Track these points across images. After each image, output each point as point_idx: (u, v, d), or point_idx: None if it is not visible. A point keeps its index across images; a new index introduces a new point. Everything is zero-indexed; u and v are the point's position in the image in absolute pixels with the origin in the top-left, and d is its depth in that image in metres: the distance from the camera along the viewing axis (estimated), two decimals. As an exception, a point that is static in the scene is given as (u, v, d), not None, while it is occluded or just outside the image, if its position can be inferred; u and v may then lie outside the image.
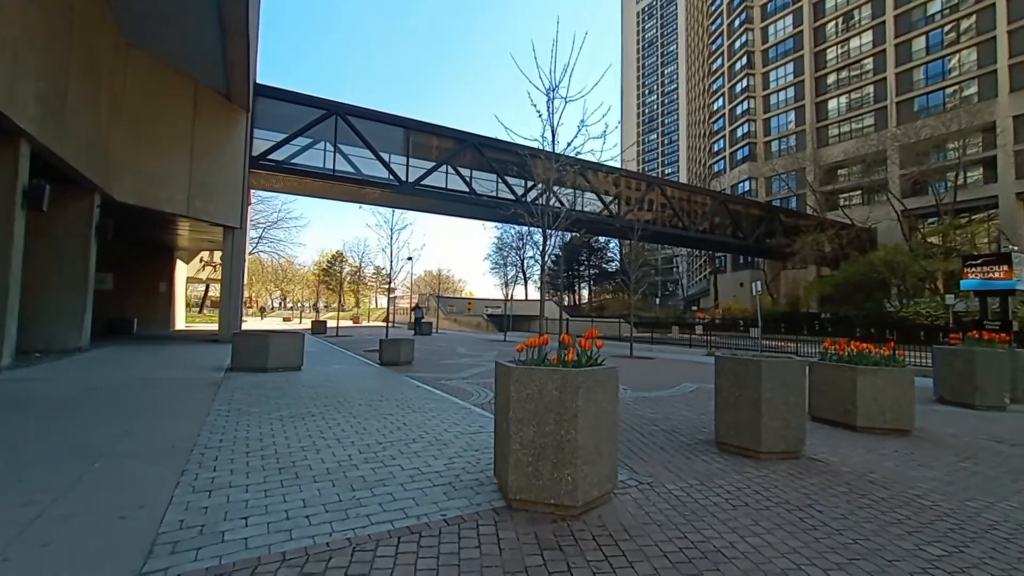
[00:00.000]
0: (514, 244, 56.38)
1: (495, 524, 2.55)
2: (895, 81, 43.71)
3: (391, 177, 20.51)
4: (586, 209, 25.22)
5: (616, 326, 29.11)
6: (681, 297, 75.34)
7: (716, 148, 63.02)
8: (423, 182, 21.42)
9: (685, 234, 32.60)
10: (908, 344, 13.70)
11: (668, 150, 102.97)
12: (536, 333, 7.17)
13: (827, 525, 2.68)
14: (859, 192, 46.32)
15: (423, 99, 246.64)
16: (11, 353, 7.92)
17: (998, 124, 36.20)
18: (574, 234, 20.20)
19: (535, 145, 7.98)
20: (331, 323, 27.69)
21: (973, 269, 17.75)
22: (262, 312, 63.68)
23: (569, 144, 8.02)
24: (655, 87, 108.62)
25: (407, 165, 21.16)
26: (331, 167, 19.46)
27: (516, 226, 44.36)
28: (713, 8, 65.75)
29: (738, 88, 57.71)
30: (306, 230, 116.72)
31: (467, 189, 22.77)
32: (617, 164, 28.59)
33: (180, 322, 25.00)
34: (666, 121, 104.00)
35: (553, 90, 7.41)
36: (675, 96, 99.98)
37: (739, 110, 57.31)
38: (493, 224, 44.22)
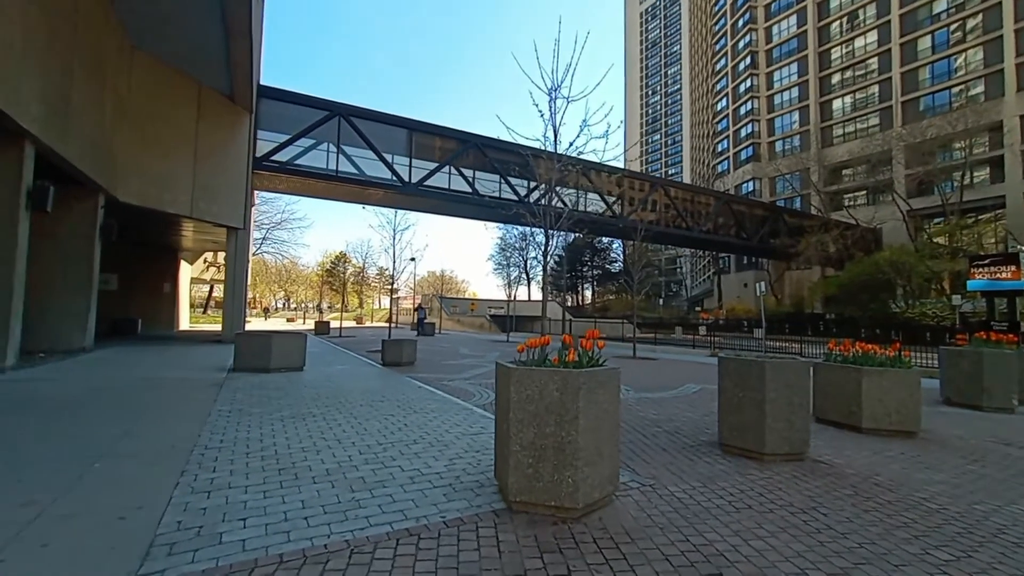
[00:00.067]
0: (517, 245, 56.45)
1: (495, 526, 2.52)
2: (900, 81, 43.45)
3: (394, 178, 20.53)
4: (589, 209, 25.18)
5: (619, 327, 29.02)
6: (685, 298, 75.18)
7: (720, 148, 62.86)
8: (426, 183, 21.43)
9: (689, 235, 32.48)
10: (914, 345, 13.57)
11: (671, 150, 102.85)
12: (539, 334, 7.14)
13: (832, 528, 2.64)
14: (864, 192, 46.08)
15: (426, 100, 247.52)
16: (15, 353, 7.95)
17: (1005, 123, 35.94)
18: (577, 235, 20.15)
19: (537, 145, 7.97)
20: (334, 324, 27.76)
21: (980, 269, 17.60)
22: (266, 313, 63.95)
23: (571, 144, 8.01)
24: (658, 87, 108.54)
25: (410, 166, 21.18)
26: (334, 168, 19.50)
27: (519, 227, 44.38)
28: (717, 8, 65.63)
29: (742, 88, 57.54)
30: (310, 231, 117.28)
31: (470, 190, 22.76)
32: (620, 164, 28.57)
33: (184, 323, 25.12)
34: (669, 122, 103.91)
35: (555, 90, 7.40)
36: (678, 96, 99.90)
37: (743, 110, 57.15)
38: (495, 225, 44.22)
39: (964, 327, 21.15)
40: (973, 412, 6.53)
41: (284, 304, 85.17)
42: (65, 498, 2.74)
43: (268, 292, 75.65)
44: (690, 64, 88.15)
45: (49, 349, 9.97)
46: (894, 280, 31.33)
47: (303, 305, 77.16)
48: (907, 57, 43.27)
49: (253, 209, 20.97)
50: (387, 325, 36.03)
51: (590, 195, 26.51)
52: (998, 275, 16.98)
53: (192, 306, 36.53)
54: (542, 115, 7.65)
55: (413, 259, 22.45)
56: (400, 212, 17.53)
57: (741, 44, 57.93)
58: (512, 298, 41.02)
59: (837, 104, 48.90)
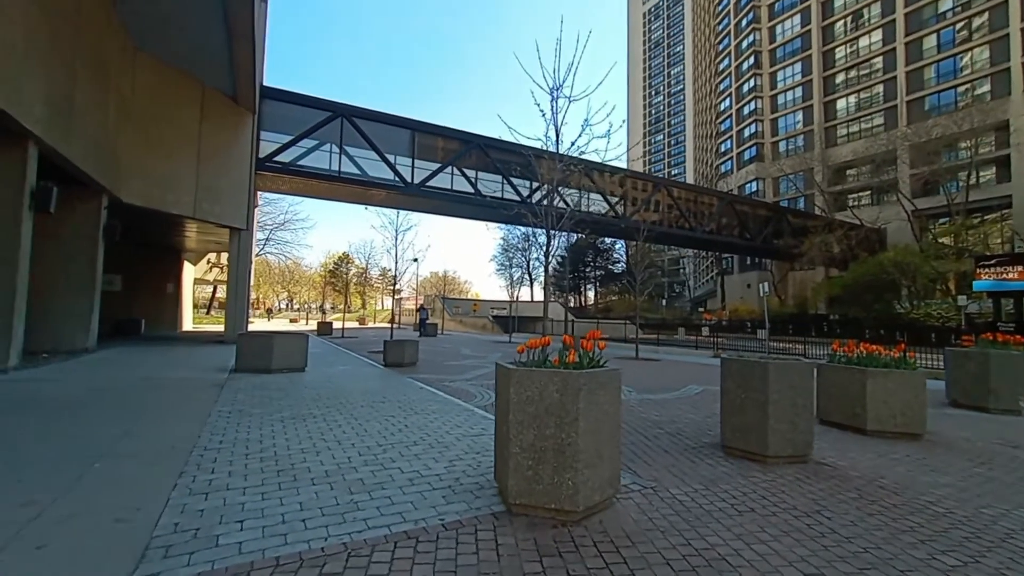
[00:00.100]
0: (519, 246, 56.45)
1: (494, 529, 2.50)
2: (905, 80, 43.19)
3: (397, 178, 20.54)
4: (591, 210, 25.12)
5: (622, 327, 28.96)
6: (688, 299, 74.96)
7: (723, 148, 62.66)
8: (428, 183, 21.44)
9: (692, 235, 32.37)
10: (919, 346, 13.48)
11: (674, 151, 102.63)
12: (541, 334, 7.12)
13: (836, 532, 2.60)
14: (868, 192, 45.79)
15: (428, 100, 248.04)
16: (19, 354, 7.98)
17: (1011, 123, 35.64)
18: (580, 235, 20.10)
19: (539, 145, 7.95)
20: (337, 324, 27.79)
21: (986, 270, 17.47)
22: (269, 313, 64.19)
23: (573, 143, 7.99)
24: (661, 88, 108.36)
25: (412, 167, 21.19)
26: (337, 169, 19.53)
27: (521, 227, 44.33)
28: (720, 8, 65.45)
29: (745, 88, 57.37)
30: (312, 232, 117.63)
31: (472, 190, 22.76)
32: (623, 164, 28.50)
33: (187, 323, 25.21)
34: (672, 122, 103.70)
35: (557, 89, 7.38)
36: (681, 97, 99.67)
37: (746, 110, 56.98)
38: (496, 225, 44.21)
39: (970, 328, 21.01)
40: (979, 414, 6.46)
41: (287, 305, 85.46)
42: (64, 498, 2.74)
43: (271, 293, 75.93)
44: (693, 64, 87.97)
45: (52, 349, 10.01)
46: (899, 281, 31.13)
47: (306, 306, 77.37)
48: (912, 56, 43.00)
49: (256, 210, 21.04)
50: (389, 326, 36.09)
51: (592, 195, 26.47)
52: (1004, 275, 16.85)
53: (195, 307, 36.70)
54: (544, 115, 7.65)
55: (416, 260, 22.50)
56: (402, 213, 17.58)
57: (744, 44, 57.75)
58: (515, 299, 40.98)
59: (841, 104, 48.65)
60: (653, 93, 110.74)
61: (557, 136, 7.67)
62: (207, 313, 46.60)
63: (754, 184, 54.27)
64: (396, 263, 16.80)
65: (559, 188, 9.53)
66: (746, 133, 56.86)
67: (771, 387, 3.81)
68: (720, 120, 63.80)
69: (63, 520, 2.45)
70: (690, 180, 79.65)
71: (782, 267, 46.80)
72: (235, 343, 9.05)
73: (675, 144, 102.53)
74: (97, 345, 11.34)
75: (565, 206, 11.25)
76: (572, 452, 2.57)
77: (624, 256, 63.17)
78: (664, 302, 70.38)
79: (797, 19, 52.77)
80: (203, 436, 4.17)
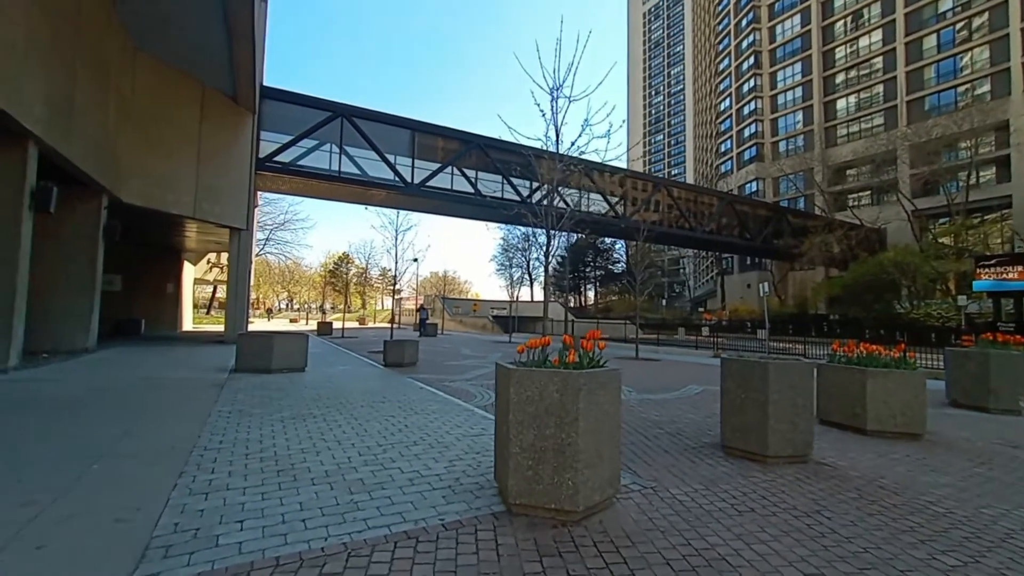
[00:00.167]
0: (519, 246, 56.44)
1: (494, 529, 2.50)
2: (905, 80, 43.19)
3: (397, 178, 20.54)
4: (591, 210, 25.12)
5: (622, 327, 28.96)
6: (688, 299, 74.97)
7: (723, 148, 62.67)
8: (428, 183, 21.44)
9: (692, 235, 32.37)
10: (919, 346, 13.49)
11: (674, 151, 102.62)
12: (542, 334, 7.12)
13: (836, 532, 2.60)
14: (868, 192, 45.79)
15: (428, 100, 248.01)
16: (19, 354, 7.98)
17: (1012, 122, 35.63)
18: (580, 235, 20.10)
19: (539, 145, 7.95)
20: (337, 324, 27.80)
21: (986, 270, 17.48)
22: (269, 313, 64.21)
23: (573, 143, 7.99)
24: (661, 88, 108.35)
25: (412, 167, 21.19)
26: (337, 169, 19.52)
27: (521, 228, 44.35)
28: (720, 8, 65.45)
29: (745, 88, 57.37)
30: (312, 232, 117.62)
31: (472, 190, 22.76)
32: (623, 164, 28.50)
33: (187, 323, 25.21)
34: (672, 122, 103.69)
35: (557, 89, 7.38)
36: (681, 97, 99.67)
37: (746, 110, 56.98)
38: (496, 225, 44.21)
39: (970, 328, 21.01)
40: (979, 414, 6.46)
41: (287, 305, 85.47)
42: (64, 498, 2.74)
43: (271, 293, 75.93)
44: (693, 64, 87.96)
45: (52, 349, 10.01)
46: (899, 281, 31.13)
47: (306, 306, 77.40)
48: (912, 56, 43.00)
49: (256, 210, 21.04)
50: (389, 326, 36.10)
51: (592, 195, 26.47)
52: (1004, 275, 16.85)
53: (195, 307, 36.70)
54: (544, 115, 7.65)
55: (416, 260, 22.50)
56: (402, 212, 17.58)
57: (744, 44, 57.75)
58: (515, 299, 40.98)
59: (841, 104, 48.65)
60: (653, 93, 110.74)
61: (557, 136, 7.68)
62: (207, 313, 46.61)
63: (754, 184, 54.27)
64: (396, 263, 16.82)
65: (559, 188, 9.53)
66: (746, 133, 56.86)
67: (771, 387, 3.81)
68: (720, 120, 63.80)
69: (63, 520, 2.45)
70: (690, 180, 79.64)
71: (782, 267, 46.80)
72: (235, 343, 9.05)
73: (675, 144, 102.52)
74: (97, 345, 11.34)
75: (565, 206, 11.25)
76: (572, 452, 2.57)
77: (624, 256, 63.18)
78: (664, 302, 70.39)
79: (797, 19, 52.78)
80: (203, 436, 4.17)
